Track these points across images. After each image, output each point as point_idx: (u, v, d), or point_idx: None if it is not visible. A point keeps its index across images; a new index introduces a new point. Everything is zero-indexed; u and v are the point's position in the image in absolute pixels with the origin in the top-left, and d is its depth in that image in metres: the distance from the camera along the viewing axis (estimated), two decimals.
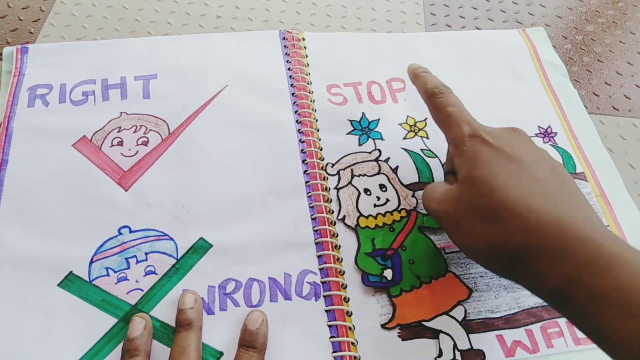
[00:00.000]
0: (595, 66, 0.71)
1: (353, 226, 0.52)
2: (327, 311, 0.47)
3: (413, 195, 0.54)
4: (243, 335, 0.44)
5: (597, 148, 0.60)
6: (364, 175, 0.55)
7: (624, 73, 0.70)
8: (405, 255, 0.51)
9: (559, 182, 0.42)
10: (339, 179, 0.55)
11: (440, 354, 0.46)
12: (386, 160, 0.56)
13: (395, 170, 0.56)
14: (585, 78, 0.69)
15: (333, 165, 0.55)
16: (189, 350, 0.42)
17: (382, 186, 0.54)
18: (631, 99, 0.67)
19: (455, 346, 0.47)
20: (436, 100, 0.48)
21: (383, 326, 0.47)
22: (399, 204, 0.54)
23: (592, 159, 0.59)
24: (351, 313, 0.48)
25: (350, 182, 0.54)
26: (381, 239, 0.52)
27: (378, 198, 0.54)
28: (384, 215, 0.53)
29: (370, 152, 0.56)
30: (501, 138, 0.44)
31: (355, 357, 0.46)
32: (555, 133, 0.60)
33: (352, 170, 0.55)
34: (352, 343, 0.46)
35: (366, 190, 0.54)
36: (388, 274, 0.50)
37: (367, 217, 0.53)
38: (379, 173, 0.55)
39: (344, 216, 0.53)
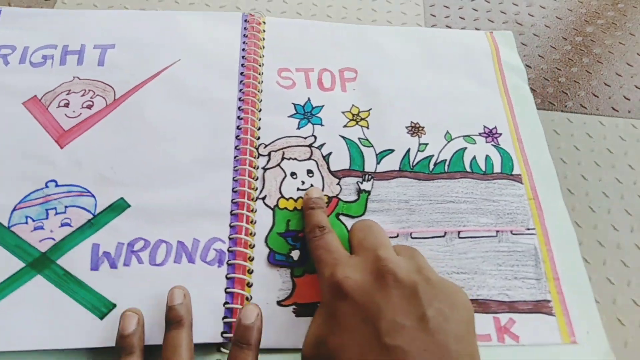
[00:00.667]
0: (595, 67, 0.70)
1: (272, 206, 0.53)
2: (227, 278, 0.49)
3: (338, 183, 0.55)
4: (237, 331, 0.43)
5: (540, 152, 0.59)
6: (295, 159, 0.56)
7: (624, 74, 0.70)
8: None
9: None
10: (269, 159, 0.56)
11: None
12: (320, 147, 0.57)
13: (327, 157, 0.56)
14: (585, 79, 0.69)
15: (266, 146, 0.57)
16: (180, 350, 0.42)
17: (309, 171, 0.55)
18: (630, 100, 0.67)
19: None
20: (310, 243, 0.48)
21: (279, 302, 0.48)
22: (322, 190, 0.55)
23: (532, 162, 0.58)
24: (252, 284, 0.49)
25: (279, 164, 0.56)
26: (297, 221, 0.53)
27: (303, 182, 0.55)
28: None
29: (305, 138, 0.57)
30: (366, 289, 0.40)
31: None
32: (500, 134, 0.60)
33: (283, 152, 0.56)
34: None
35: (292, 174, 0.55)
36: (295, 254, 0.51)
37: (287, 199, 0.54)
38: (309, 159, 0.56)
39: (265, 196, 0.54)
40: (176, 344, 0.42)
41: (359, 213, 0.54)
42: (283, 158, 0.56)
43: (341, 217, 0.53)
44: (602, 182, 0.60)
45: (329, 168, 0.56)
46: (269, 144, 0.57)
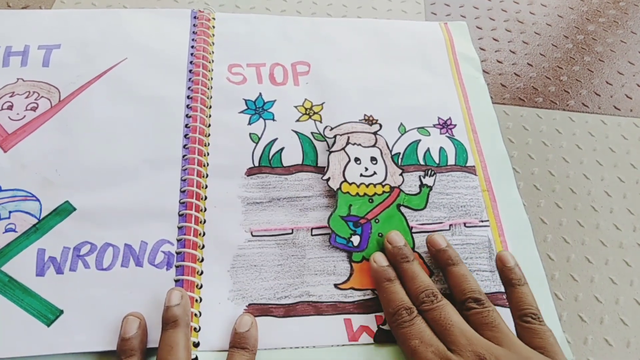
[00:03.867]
0: (597, 66, 0.70)
1: (335, 189, 0.53)
2: (176, 281, 0.48)
3: (401, 174, 0.55)
4: (233, 338, 0.45)
5: (495, 143, 0.59)
6: (359, 145, 0.56)
7: (625, 73, 0.70)
8: (377, 227, 0.52)
9: None
10: (334, 142, 0.56)
11: None
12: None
13: (390, 146, 0.57)
14: (587, 78, 0.69)
15: (332, 128, 0.57)
16: (177, 349, 0.42)
17: (373, 159, 0.56)
18: (632, 99, 0.67)
19: None
20: (397, 328, 0.45)
21: (336, 286, 0.49)
22: (385, 179, 0.55)
23: (487, 153, 0.58)
24: (202, 285, 0.48)
25: (343, 149, 0.56)
26: (358, 207, 0.53)
27: (366, 169, 0.55)
28: (367, 186, 0.54)
29: (371, 125, 0.58)
30: None
31: (195, 327, 0.46)
32: (455, 125, 0.59)
33: (348, 137, 0.57)
34: (195, 314, 0.46)
35: (356, 159, 0.55)
36: (355, 240, 0.51)
37: (350, 184, 0.54)
38: (374, 146, 0.57)
39: (329, 178, 0.54)
40: (172, 342, 0.42)
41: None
42: (348, 143, 0.56)
43: (402, 209, 0.54)
44: (605, 181, 0.60)
45: (392, 158, 0.56)
46: (335, 127, 0.57)
